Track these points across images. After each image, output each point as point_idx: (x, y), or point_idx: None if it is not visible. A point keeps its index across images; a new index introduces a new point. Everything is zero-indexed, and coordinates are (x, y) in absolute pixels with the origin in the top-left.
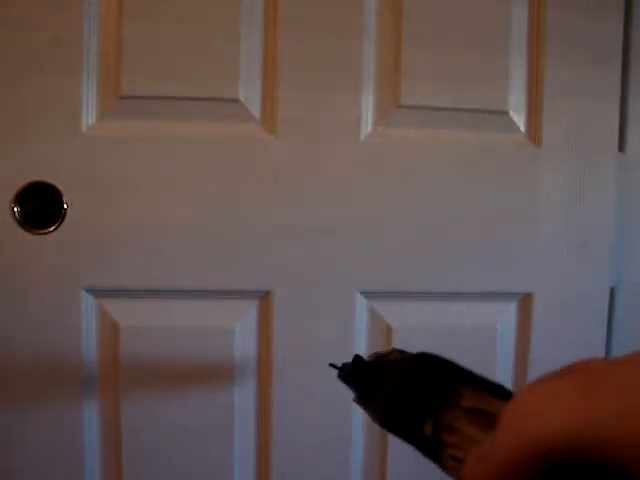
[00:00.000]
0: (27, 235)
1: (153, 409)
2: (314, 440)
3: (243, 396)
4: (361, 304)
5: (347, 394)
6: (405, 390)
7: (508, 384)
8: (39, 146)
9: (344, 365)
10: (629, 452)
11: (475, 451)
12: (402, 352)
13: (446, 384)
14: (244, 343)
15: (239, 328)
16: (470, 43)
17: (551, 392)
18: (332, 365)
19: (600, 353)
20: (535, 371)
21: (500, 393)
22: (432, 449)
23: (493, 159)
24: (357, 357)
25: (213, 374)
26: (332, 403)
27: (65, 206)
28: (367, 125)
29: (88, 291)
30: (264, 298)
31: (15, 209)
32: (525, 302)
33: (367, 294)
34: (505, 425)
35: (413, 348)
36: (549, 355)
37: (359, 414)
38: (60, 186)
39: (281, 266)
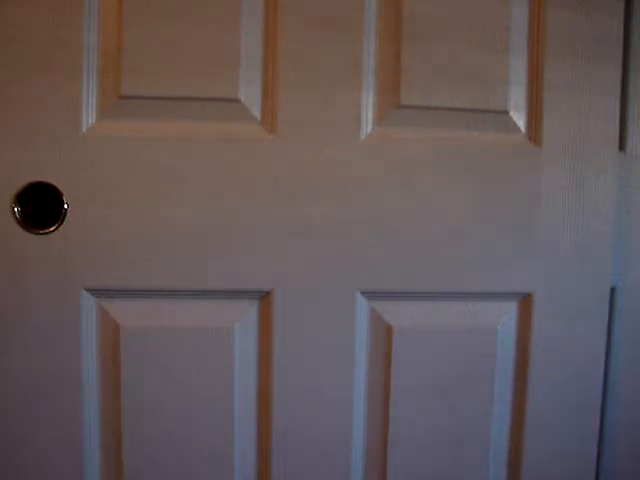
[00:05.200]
0: (27, 235)
1: (153, 409)
2: (314, 441)
3: (243, 396)
4: (361, 304)
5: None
6: None
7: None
8: (39, 146)
9: None
10: None
11: None
12: None
13: None
14: (244, 343)
15: (239, 328)
16: (470, 43)
17: None
18: None
19: (600, 353)
20: (535, 371)
21: None
22: None
23: (493, 159)
24: None
25: (213, 374)
26: (333, 403)
27: (65, 206)
28: (367, 125)
29: (88, 291)
30: (264, 298)
31: (15, 209)
32: (525, 302)
33: (367, 294)
34: None
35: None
36: (549, 355)
37: (360, 414)
38: (60, 186)
39: (281, 266)
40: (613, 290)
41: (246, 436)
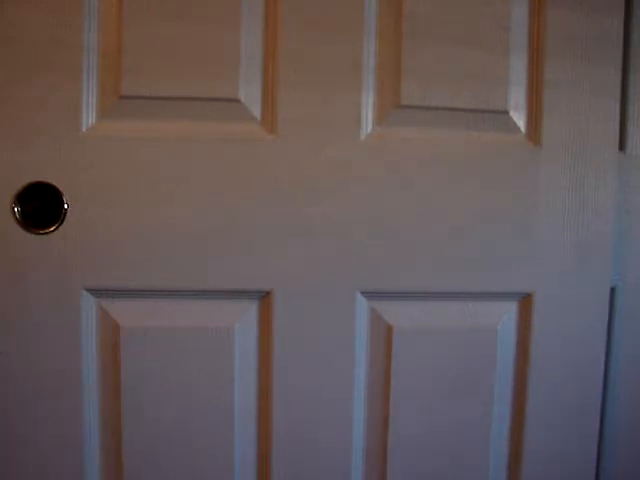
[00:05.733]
0: (27, 235)
1: (153, 409)
2: (314, 441)
3: (243, 396)
4: (361, 304)
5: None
6: None
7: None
8: (39, 146)
9: None
10: None
11: None
12: None
13: None
14: (244, 343)
15: (239, 328)
16: (470, 43)
17: None
18: None
19: (600, 353)
20: (535, 371)
21: None
22: None
23: (493, 159)
24: None
25: (213, 374)
26: (333, 403)
27: (65, 206)
28: (367, 125)
29: (88, 291)
30: (264, 298)
31: (15, 209)
32: (525, 302)
33: (367, 294)
34: None
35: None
36: (549, 355)
37: (360, 414)
38: (60, 186)
39: (281, 266)
40: (613, 290)
41: (246, 436)
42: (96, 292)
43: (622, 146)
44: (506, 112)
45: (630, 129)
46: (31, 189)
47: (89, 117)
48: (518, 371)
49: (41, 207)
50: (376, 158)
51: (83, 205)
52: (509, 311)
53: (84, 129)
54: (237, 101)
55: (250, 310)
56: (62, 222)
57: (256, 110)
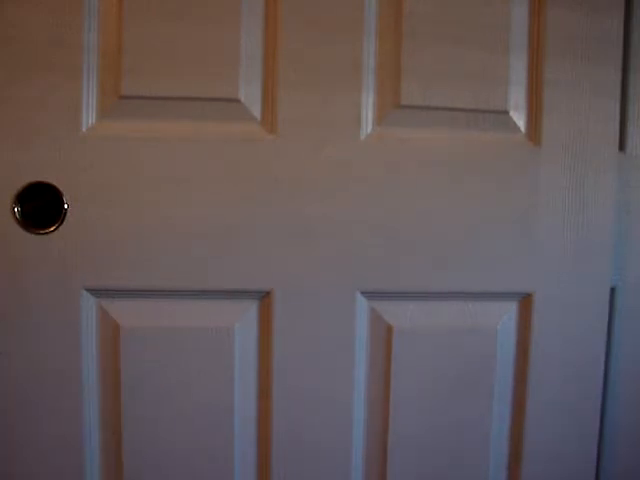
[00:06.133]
0: (27, 235)
1: (153, 409)
2: (314, 441)
3: (243, 396)
4: (361, 304)
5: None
6: None
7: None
8: (39, 146)
9: None
10: None
11: None
12: None
13: None
14: (244, 343)
15: (239, 328)
16: (470, 43)
17: None
18: None
19: (600, 353)
20: (535, 371)
21: None
22: None
23: (493, 159)
24: None
25: (213, 374)
26: (333, 403)
27: (65, 206)
28: (367, 125)
29: (88, 291)
30: (264, 298)
31: (15, 209)
32: (525, 302)
33: (367, 294)
34: None
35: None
36: (549, 355)
37: (360, 414)
38: (60, 186)
39: (281, 266)
40: (613, 290)
41: (246, 436)
42: (96, 292)
43: (622, 146)
44: (506, 112)
45: (630, 129)
46: (31, 189)
47: (89, 117)
48: (518, 371)
49: (41, 207)
50: (376, 158)
51: (83, 205)
52: (509, 311)
53: (84, 129)
54: (237, 101)
55: (250, 310)
56: (62, 222)
57: (256, 110)
